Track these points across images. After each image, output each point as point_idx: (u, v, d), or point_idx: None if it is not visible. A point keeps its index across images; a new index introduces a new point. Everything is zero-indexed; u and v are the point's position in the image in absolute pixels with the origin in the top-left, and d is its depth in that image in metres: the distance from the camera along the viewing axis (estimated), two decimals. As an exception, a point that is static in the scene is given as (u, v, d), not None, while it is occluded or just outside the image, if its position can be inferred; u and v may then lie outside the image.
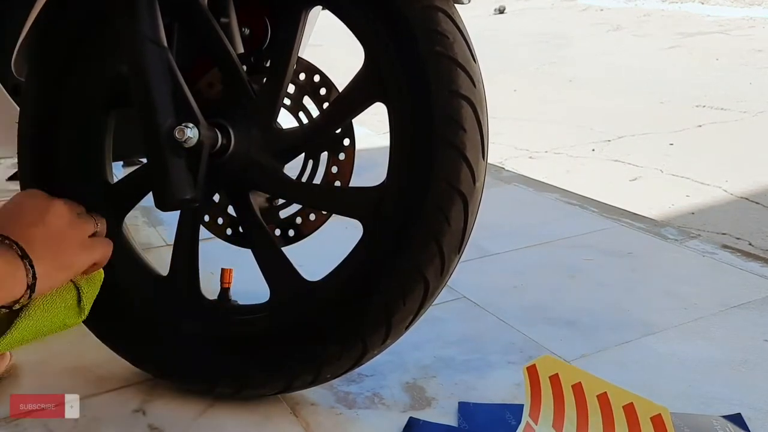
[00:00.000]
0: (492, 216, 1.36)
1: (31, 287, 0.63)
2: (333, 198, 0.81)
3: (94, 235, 0.72)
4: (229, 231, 0.87)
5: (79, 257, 0.68)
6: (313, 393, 0.86)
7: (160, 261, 0.93)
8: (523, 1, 8.17)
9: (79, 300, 0.71)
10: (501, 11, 7.59)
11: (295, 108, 0.85)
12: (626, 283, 1.21)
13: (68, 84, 0.84)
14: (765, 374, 0.92)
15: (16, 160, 0.89)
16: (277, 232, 0.85)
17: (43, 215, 0.67)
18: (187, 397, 0.85)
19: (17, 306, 0.63)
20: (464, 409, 0.84)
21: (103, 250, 0.72)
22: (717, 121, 3.05)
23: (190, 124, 0.68)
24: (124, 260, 0.88)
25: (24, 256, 0.62)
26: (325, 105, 0.82)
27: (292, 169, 0.83)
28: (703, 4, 6.90)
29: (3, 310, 0.63)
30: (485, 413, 0.83)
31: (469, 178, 0.69)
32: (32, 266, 0.62)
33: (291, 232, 0.85)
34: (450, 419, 0.82)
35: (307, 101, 0.84)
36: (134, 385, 0.88)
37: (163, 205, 0.69)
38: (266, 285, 0.82)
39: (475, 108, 0.69)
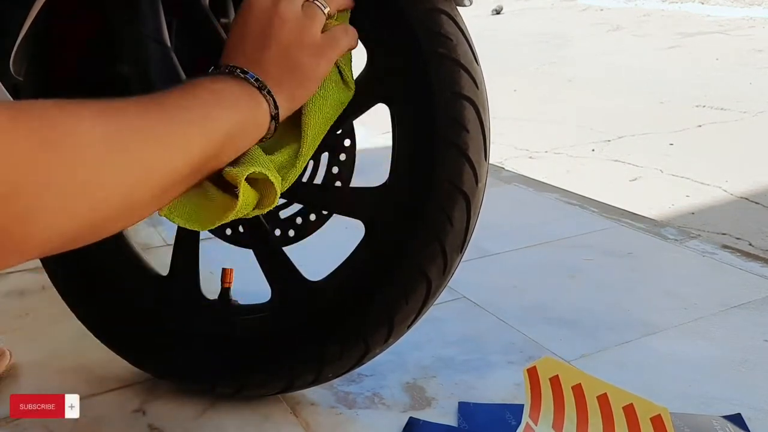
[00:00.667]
0: (492, 216, 1.36)
1: (275, 117, 0.56)
2: (335, 198, 0.81)
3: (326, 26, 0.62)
4: (228, 231, 0.87)
5: (319, 65, 0.59)
6: (313, 393, 0.86)
7: (160, 261, 0.93)
8: (522, 1, 8.17)
9: (342, 75, 0.66)
10: (498, 12, 7.59)
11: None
12: (626, 283, 1.21)
13: (67, 83, 0.84)
14: (765, 374, 0.92)
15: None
16: (277, 232, 0.85)
17: (269, 27, 0.57)
18: (187, 397, 0.85)
19: (268, 137, 0.58)
20: (464, 409, 0.84)
21: (344, 42, 0.62)
22: (717, 121, 3.05)
23: None
24: (124, 260, 0.88)
25: (261, 87, 0.55)
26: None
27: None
28: (703, 4, 6.90)
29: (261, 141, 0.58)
30: (485, 413, 0.83)
31: (471, 178, 0.70)
32: (272, 95, 0.56)
33: (291, 232, 0.85)
34: (450, 419, 0.82)
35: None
36: (134, 385, 0.88)
37: (165, 204, 0.69)
38: (267, 285, 0.82)
39: (477, 109, 0.69)
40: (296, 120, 0.63)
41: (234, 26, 0.60)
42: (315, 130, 0.64)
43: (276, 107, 0.56)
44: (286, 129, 0.63)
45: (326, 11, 0.61)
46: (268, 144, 0.62)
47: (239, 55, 0.57)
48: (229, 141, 0.53)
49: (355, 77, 0.75)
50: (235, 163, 0.58)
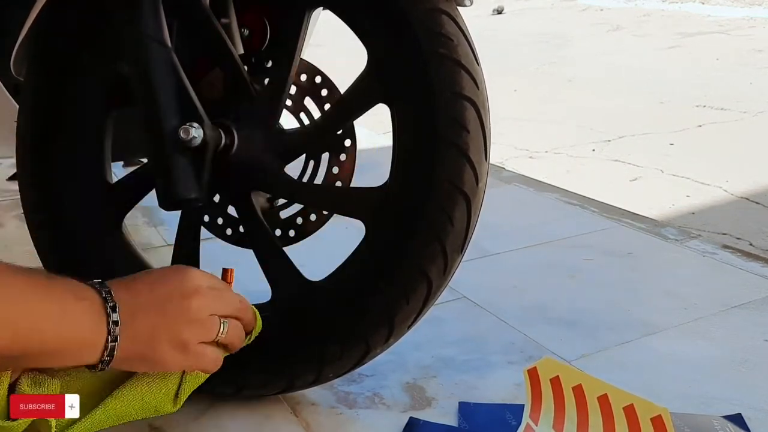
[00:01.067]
0: (492, 216, 1.36)
1: (102, 363, 0.56)
2: (335, 198, 0.81)
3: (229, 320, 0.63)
4: (229, 231, 0.87)
5: (174, 360, 0.59)
6: (313, 393, 0.86)
7: (160, 261, 0.93)
8: (522, 1, 8.17)
9: (179, 387, 0.65)
10: (499, 12, 7.59)
11: (297, 109, 0.85)
12: (626, 283, 1.21)
13: (68, 83, 0.84)
14: (765, 374, 0.92)
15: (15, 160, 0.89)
16: (278, 232, 0.85)
17: (171, 299, 0.58)
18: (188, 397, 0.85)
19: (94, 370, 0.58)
20: (464, 409, 0.84)
21: (207, 364, 0.62)
22: (717, 121, 3.05)
23: (195, 124, 0.68)
24: (124, 260, 0.88)
25: (110, 333, 0.55)
26: (327, 106, 0.82)
27: (293, 169, 0.83)
28: (703, 4, 6.90)
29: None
30: (485, 413, 0.83)
31: (472, 178, 0.70)
32: (114, 345, 0.55)
33: (292, 233, 0.85)
34: (450, 419, 0.82)
35: (309, 102, 0.84)
36: (135, 385, 0.88)
37: (167, 204, 0.69)
38: (267, 285, 0.82)
39: (478, 109, 0.69)
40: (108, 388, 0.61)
41: (153, 271, 0.62)
42: (107, 416, 0.62)
43: (111, 355, 0.55)
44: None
45: (219, 338, 0.62)
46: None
47: (125, 289, 0.57)
48: (37, 352, 0.52)
49: (355, 77, 0.76)
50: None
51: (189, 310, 0.59)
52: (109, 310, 0.55)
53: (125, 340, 0.56)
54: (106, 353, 0.55)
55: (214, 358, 0.63)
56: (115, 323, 0.55)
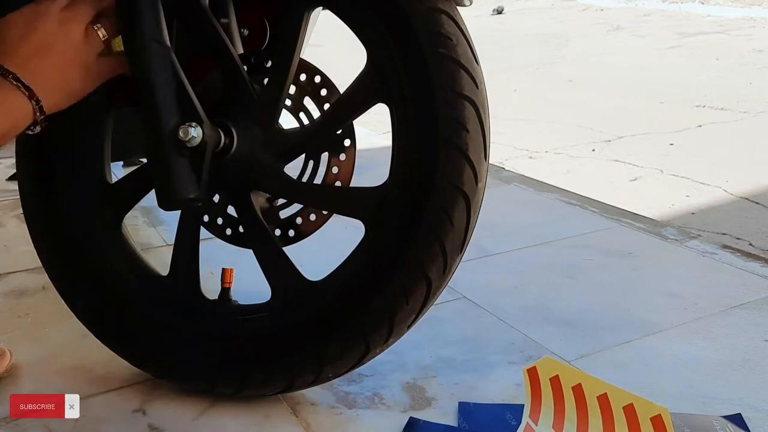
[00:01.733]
0: (492, 216, 1.36)
1: (38, 124, 0.60)
2: (335, 198, 0.81)
3: (98, 20, 0.64)
4: (228, 231, 0.87)
5: (86, 82, 0.64)
6: (313, 393, 0.86)
7: (160, 261, 0.93)
8: (522, 1, 8.17)
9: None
10: (499, 11, 7.59)
11: (296, 108, 0.85)
12: (626, 283, 1.21)
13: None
14: (765, 374, 0.92)
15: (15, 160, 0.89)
16: (278, 232, 0.85)
17: (31, 22, 0.59)
18: (187, 397, 0.85)
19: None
20: (464, 409, 0.84)
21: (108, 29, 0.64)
22: (717, 121, 3.05)
23: (194, 124, 0.68)
24: (124, 260, 0.88)
25: (25, 87, 0.57)
26: (326, 106, 0.82)
27: (292, 169, 0.83)
28: (703, 4, 6.90)
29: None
30: (485, 413, 0.83)
31: (471, 178, 0.70)
32: (36, 98, 0.57)
33: (291, 232, 0.85)
34: (450, 419, 0.82)
35: (308, 102, 0.84)
36: (134, 385, 0.88)
37: (166, 204, 0.69)
38: (267, 285, 0.82)
39: (477, 109, 0.69)
40: None
41: (10, 22, 0.61)
42: None
43: (43, 113, 0.59)
44: None
45: (103, 36, 0.65)
46: None
47: (14, 55, 0.58)
48: None
49: (355, 77, 0.76)
50: None
51: (77, 33, 0.60)
52: (21, 87, 0.56)
53: (46, 99, 0.58)
54: (39, 117, 0.59)
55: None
56: (32, 95, 0.57)
